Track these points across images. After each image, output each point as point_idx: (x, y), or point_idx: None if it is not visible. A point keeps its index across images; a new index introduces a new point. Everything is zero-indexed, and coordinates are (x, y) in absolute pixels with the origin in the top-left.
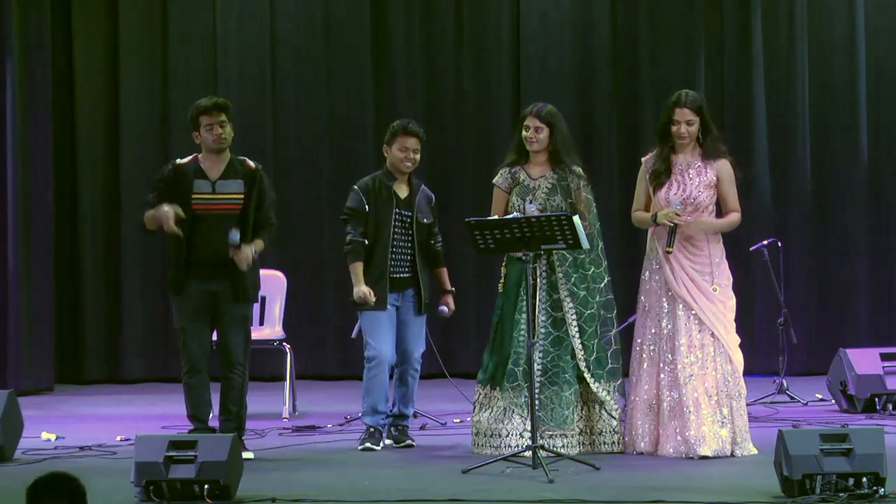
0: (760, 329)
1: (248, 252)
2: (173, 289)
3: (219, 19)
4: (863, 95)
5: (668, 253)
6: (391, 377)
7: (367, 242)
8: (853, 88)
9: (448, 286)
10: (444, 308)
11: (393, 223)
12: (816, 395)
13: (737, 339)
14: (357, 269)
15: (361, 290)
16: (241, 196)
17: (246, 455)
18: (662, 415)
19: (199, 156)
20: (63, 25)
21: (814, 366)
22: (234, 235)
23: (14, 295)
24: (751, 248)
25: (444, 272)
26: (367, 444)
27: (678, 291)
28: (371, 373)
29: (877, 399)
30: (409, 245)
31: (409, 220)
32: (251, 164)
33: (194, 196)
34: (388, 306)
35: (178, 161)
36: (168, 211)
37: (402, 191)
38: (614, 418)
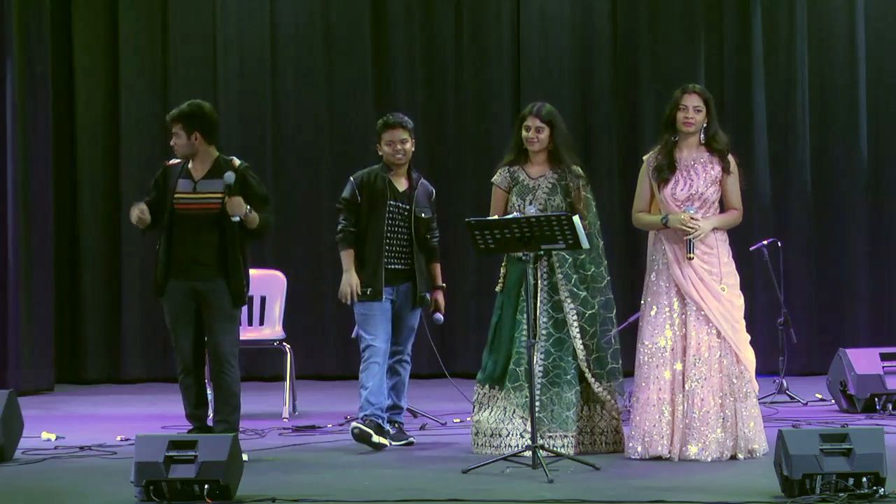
0: (760, 329)
1: (241, 202)
2: (154, 290)
3: (219, 19)
4: (863, 95)
5: (690, 259)
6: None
7: (357, 233)
8: (853, 88)
9: (439, 282)
10: (439, 316)
11: (388, 215)
12: (816, 395)
13: (746, 338)
14: (347, 256)
15: (350, 280)
16: (222, 195)
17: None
18: (667, 418)
19: None
20: (63, 25)
21: (814, 366)
22: (229, 176)
23: (14, 295)
24: (751, 248)
25: (438, 268)
26: (360, 427)
27: (688, 291)
28: (366, 363)
29: (877, 399)
30: (407, 238)
31: (407, 213)
32: (236, 162)
33: (176, 195)
34: (384, 298)
35: (170, 162)
36: (133, 211)
37: (401, 184)
38: (615, 419)
